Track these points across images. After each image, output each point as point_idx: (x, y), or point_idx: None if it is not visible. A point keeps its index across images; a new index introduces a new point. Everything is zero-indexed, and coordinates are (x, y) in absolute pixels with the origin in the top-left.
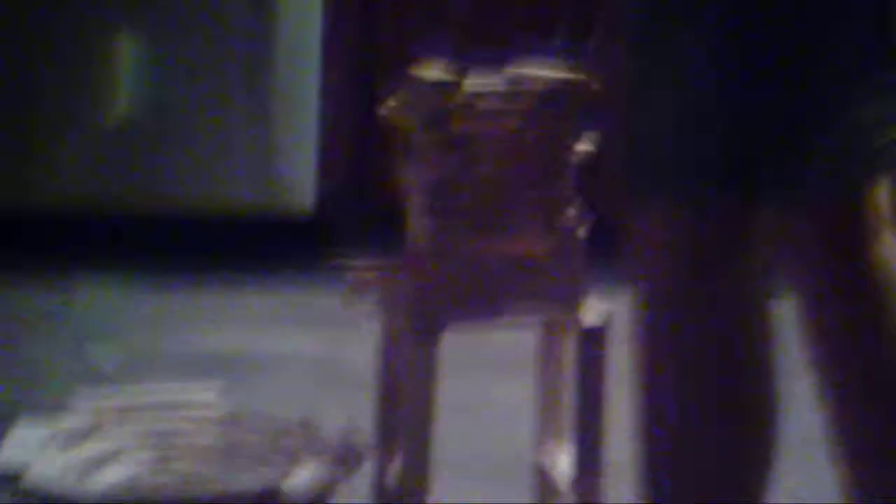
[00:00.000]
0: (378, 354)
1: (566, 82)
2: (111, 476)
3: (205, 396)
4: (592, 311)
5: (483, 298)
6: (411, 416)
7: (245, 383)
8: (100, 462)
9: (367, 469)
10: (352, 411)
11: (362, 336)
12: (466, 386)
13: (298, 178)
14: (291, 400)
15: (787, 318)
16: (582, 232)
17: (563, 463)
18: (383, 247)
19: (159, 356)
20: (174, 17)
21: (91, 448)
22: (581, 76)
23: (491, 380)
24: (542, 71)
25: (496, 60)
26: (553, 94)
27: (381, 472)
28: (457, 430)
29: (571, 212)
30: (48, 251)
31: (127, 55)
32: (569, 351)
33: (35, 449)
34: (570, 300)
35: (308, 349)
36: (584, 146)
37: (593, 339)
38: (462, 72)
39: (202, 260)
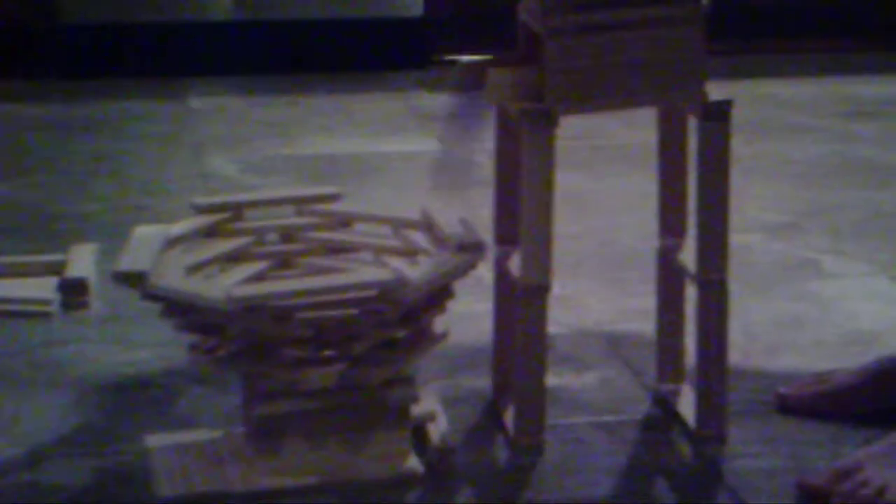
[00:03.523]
0: (494, 148)
1: None
2: (235, 275)
3: (324, 195)
4: (714, 92)
5: (601, 81)
6: (530, 205)
7: (363, 183)
8: (223, 261)
9: (489, 260)
10: (471, 205)
11: (476, 133)
12: (586, 178)
13: None
14: (410, 198)
15: None
16: (704, 8)
17: (685, 250)
18: (493, 45)
19: (277, 161)
20: None
21: (213, 248)
22: None
23: (610, 172)
24: None
25: None
26: None
27: (502, 263)
28: (576, 221)
29: None
30: (165, 60)
31: None
32: (688, 136)
33: (158, 250)
34: (692, 80)
35: (424, 148)
36: None
37: (717, 114)
38: None
39: (315, 64)
